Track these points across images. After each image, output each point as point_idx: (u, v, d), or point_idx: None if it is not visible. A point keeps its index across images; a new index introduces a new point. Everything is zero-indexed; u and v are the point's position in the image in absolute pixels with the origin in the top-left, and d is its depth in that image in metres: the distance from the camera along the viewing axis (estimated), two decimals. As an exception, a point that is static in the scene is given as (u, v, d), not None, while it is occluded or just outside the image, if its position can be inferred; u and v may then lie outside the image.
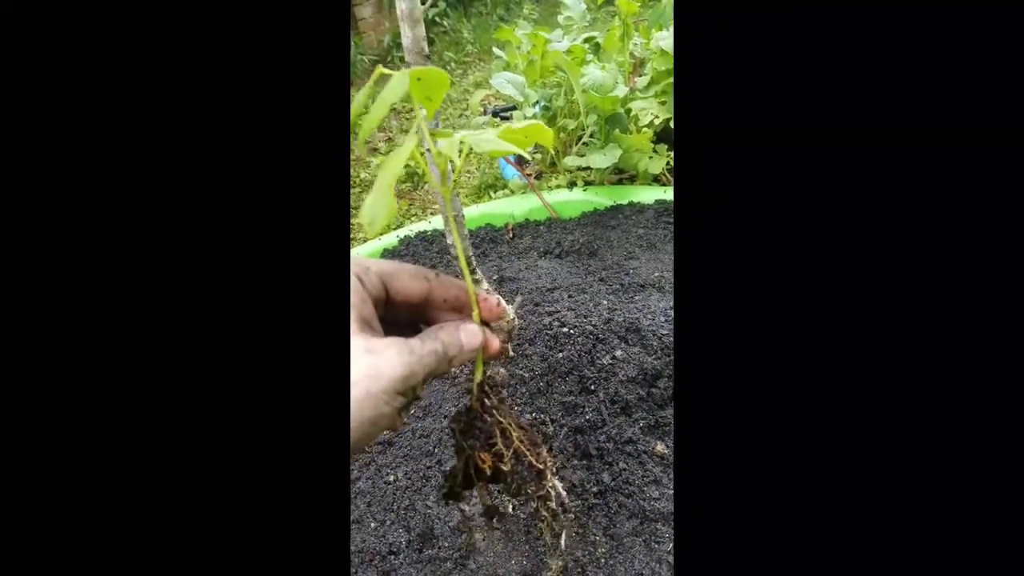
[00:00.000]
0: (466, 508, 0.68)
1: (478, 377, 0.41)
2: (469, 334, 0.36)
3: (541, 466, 0.43)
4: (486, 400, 0.41)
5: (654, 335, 0.81)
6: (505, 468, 0.41)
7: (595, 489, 0.67)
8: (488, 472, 0.41)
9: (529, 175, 1.28)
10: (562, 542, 0.59)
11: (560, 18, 1.30)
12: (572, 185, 1.18)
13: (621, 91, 1.03)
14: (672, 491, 0.66)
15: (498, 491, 0.63)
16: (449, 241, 0.67)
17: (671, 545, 0.62)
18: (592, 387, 0.75)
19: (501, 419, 0.41)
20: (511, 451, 0.41)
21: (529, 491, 0.43)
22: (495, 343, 0.39)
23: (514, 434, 0.42)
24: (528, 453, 0.42)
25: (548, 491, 0.43)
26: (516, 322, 0.80)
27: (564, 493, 0.45)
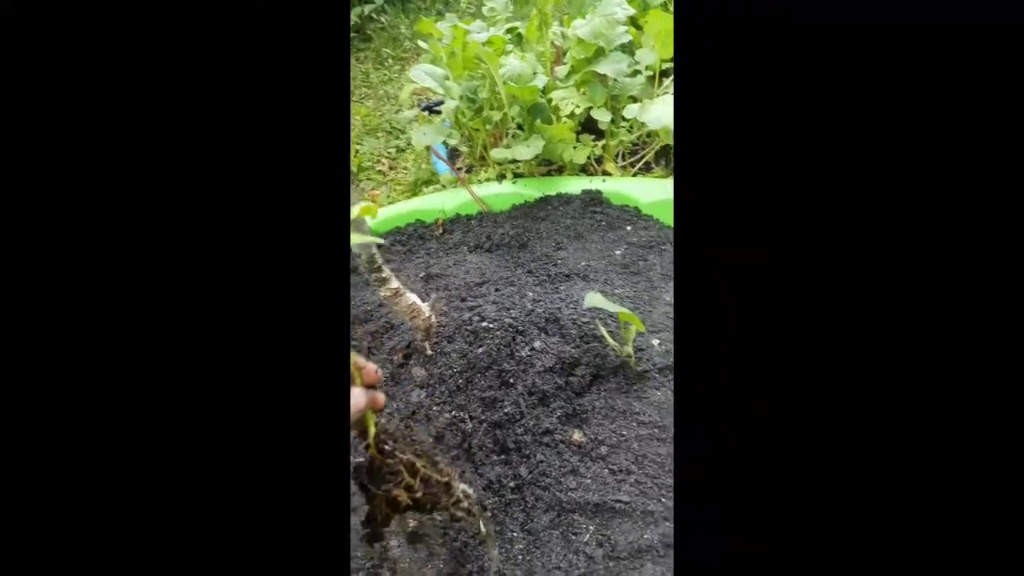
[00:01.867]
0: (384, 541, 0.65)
1: (372, 431, 0.44)
2: (354, 397, 0.41)
3: (446, 479, 0.47)
4: (384, 447, 0.45)
5: (573, 324, 0.80)
6: (417, 495, 0.45)
7: (512, 484, 0.66)
8: (403, 504, 0.45)
9: (459, 169, 1.26)
10: (487, 530, 0.57)
11: (485, 9, 1.28)
12: (502, 178, 1.17)
13: (540, 81, 1.02)
14: (589, 480, 0.65)
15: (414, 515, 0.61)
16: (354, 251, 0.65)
17: (588, 536, 0.61)
18: (511, 380, 0.74)
19: (403, 456, 0.45)
20: (418, 479, 0.46)
21: (442, 503, 0.47)
22: (381, 398, 0.44)
23: (418, 463, 0.46)
24: (432, 473, 0.46)
25: (458, 496, 0.48)
26: (433, 319, 0.78)
27: (472, 492, 0.49)
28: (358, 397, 0.41)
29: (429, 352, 0.78)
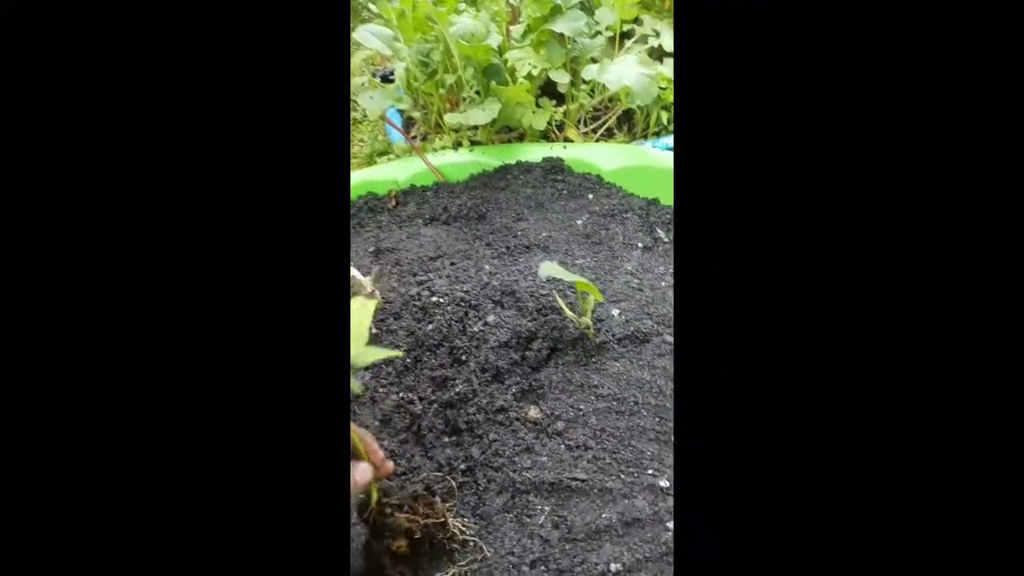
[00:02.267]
0: None
1: (375, 497, 0.50)
2: (361, 472, 0.45)
3: (441, 518, 0.53)
4: (385, 509, 0.51)
5: (530, 296, 0.76)
6: (417, 537, 0.52)
7: (463, 466, 0.62)
8: (404, 550, 0.51)
9: (414, 138, 1.19)
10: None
11: (437, -33, 1.20)
12: (458, 146, 1.11)
13: (495, 40, 0.95)
14: (545, 457, 0.61)
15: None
16: None
17: (543, 518, 0.58)
18: (463, 357, 0.70)
19: (404, 512, 0.51)
20: (418, 526, 0.52)
21: (438, 539, 0.53)
22: (388, 465, 0.49)
23: (417, 511, 0.52)
24: (429, 515, 0.52)
25: (454, 532, 0.54)
26: (377, 295, 0.73)
27: (463, 527, 0.55)
28: (363, 471, 0.44)
29: (373, 331, 0.73)
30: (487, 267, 0.85)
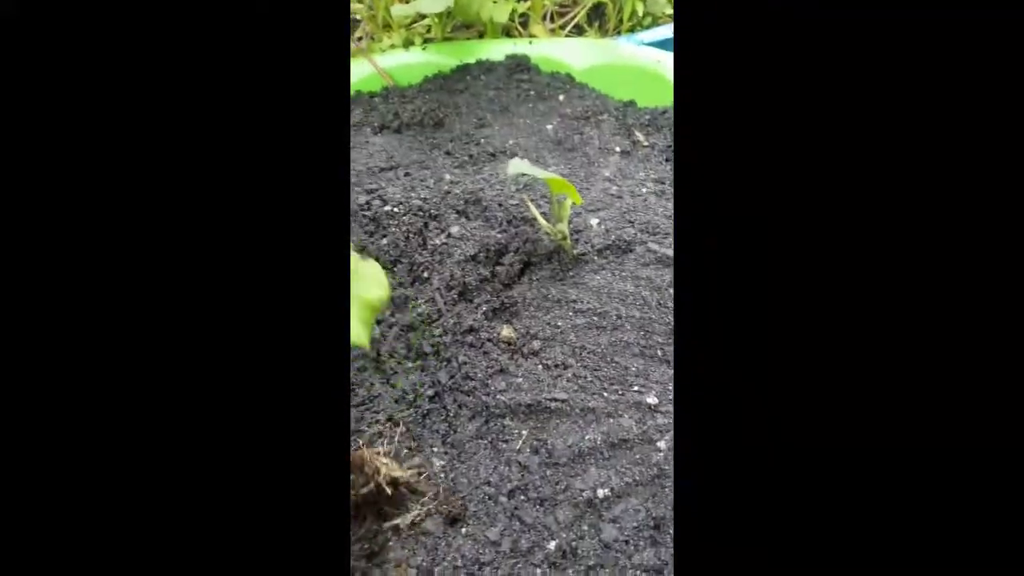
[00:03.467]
0: None
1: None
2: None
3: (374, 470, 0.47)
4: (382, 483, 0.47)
5: (499, 206, 0.67)
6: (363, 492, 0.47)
7: (430, 392, 0.55)
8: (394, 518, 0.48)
9: (360, 38, 1.04)
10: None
11: None
12: (409, 44, 0.97)
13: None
14: (520, 379, 0.55)
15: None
16: None
17: (521, 442, 0.52)
18: (425, 274, 0.62)
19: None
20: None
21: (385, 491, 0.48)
22: None
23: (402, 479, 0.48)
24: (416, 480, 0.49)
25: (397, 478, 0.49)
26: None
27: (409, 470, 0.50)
28: None
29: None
30: (448, 176, 0.75)
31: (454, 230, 0.63)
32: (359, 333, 0.38)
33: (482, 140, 0.85)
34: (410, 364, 0.58)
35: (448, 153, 0.83)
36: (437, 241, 0.63)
